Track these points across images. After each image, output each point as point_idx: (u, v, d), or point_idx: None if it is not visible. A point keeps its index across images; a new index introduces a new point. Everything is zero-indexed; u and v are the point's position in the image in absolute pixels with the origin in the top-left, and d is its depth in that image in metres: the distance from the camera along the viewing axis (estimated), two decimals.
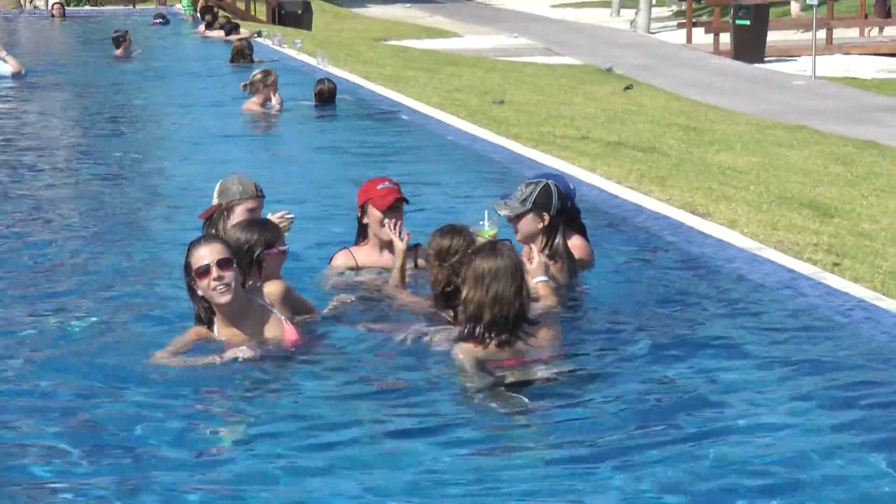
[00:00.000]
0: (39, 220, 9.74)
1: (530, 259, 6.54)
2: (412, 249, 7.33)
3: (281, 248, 6.62)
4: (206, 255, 6.05)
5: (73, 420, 5.39)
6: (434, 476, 4.79)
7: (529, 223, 6.90)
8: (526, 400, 5.50)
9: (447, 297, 6.47)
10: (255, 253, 6.46)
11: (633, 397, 5.60)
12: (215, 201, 7.47)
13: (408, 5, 44.49)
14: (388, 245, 7.38)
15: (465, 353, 5.79)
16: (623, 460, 4.89)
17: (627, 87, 22.16)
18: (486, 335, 5.73)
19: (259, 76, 15.16)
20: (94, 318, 6.94)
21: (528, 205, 6.87)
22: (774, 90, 23.43)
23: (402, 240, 7.12)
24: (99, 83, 19.53)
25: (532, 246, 6.71)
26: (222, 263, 6.02)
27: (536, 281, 6.41)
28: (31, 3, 35.01)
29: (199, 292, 6.12)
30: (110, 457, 4.98)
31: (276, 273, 6.71)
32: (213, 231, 7.37)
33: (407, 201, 7.44)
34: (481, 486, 4.68)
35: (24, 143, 13.78)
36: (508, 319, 5.72)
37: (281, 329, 6.24)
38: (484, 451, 5.05)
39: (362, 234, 7.53)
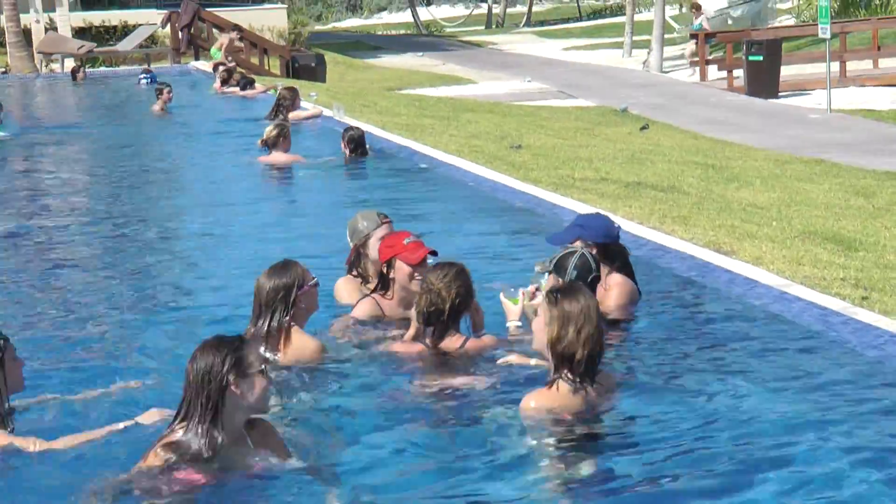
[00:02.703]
0: (57, 284, 9.75)
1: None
2: None
3: (311, 283, 6.66)
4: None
5: None
6: None
7: (549, 283, 7.04)
8: (592, 468, 5.47)
9: (429, 317, 6.69)
10: (291, 296, 6.47)
11: (676, 441, 5.62)
12: (351, 244, 7.79)
13: (420, 54, 44.51)
14: (414, 297, 7.36)
15: (540, 403, 5.79)
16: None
17: (643, 128, 22.16)
18: (575, 376, 5.74)
19: (272, 131, 15.22)
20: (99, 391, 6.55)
21: (550, 266, 7.15)
22: (791, 124, 23.38)
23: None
24: (125, 142, 19.49)
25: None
26: None
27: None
28: (46, 66, 35.12)
29: None
30: None
31: (314, 309, 6.72)
32: (357, 272, 7.69)
33: (435, 254, 7.44)
34: None
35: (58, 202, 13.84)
36: (595, 360, 5.77)
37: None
38: None
39: (384, 285, 7.50)
